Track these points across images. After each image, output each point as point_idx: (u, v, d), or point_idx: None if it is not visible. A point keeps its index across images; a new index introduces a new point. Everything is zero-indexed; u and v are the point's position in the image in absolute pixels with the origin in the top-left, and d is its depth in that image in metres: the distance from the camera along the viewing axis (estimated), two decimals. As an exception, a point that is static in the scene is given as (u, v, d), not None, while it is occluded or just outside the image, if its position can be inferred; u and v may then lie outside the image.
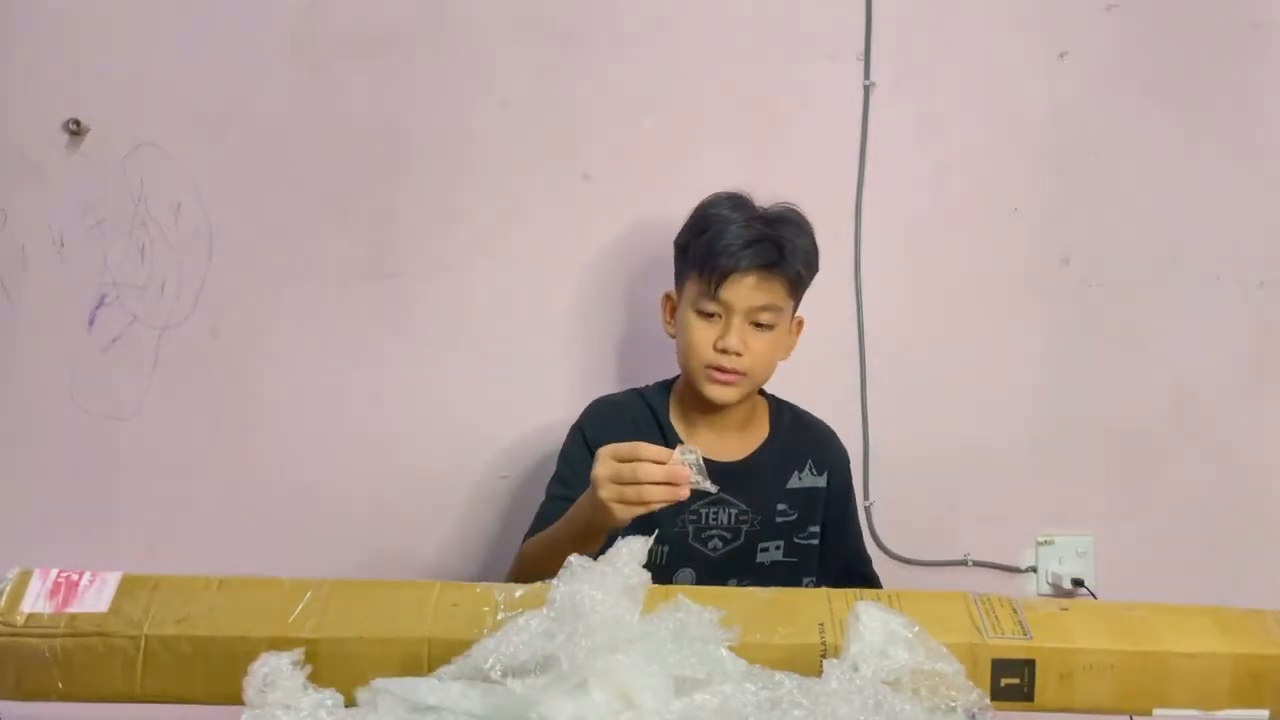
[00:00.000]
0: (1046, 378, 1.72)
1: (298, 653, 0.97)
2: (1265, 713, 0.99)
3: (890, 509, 1.72)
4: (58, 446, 1.71)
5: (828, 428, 1.50)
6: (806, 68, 1.71)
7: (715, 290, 1.31)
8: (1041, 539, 1.72)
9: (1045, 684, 1.00)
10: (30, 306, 1.71)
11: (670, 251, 1.44)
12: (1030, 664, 1.01)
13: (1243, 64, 1.71)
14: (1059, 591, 1.71)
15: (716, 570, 1.38)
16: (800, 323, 1.44)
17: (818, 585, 1.44)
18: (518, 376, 1.70)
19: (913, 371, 1.72)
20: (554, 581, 1.06)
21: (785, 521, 1.40)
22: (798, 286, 1.36)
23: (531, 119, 1.70)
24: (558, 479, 1.39)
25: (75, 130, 1.68)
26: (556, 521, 1.22)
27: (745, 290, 1.31)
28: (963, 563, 1.72)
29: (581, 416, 1.44)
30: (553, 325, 1.71)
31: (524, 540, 1.34)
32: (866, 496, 1.71)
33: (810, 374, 1.69)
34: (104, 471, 1.71)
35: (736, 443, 1.42)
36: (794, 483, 1.42)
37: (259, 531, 1.69)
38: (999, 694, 1.00)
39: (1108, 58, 1.71)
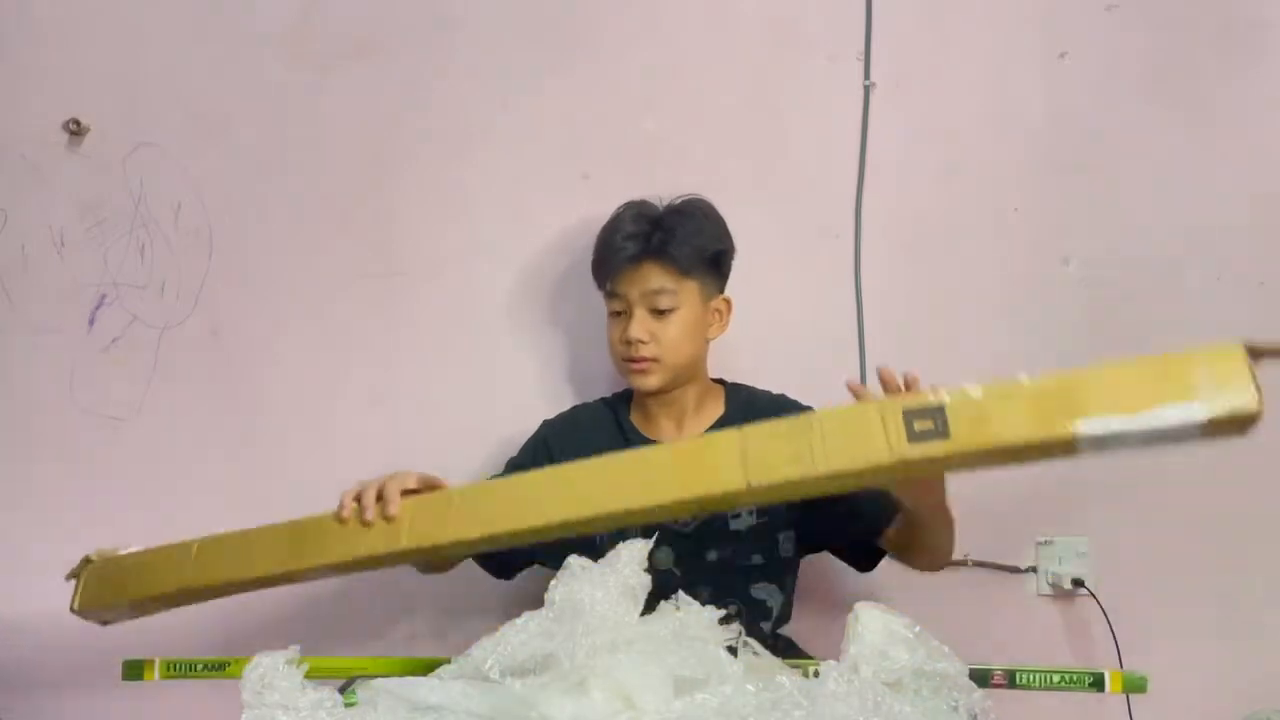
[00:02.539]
0: (1046, 378, 1.72)
1: (293, 650, 0.97)
2: (1200, 405, 0.88)
3: (890, 509, 1.72)
4: (58, 446, 1.71)
5: (786, 397, 1.51)
6: (806, 68, 1.71)
7: (610, 285, 1.41)
8: (1041, 539, 1.72)
9: (959, 422, 0.96)
10: (30, 306, 1.71)
11: None
12: (940, 409, 0.97)
13: (1243, 64, 1.71)
14: (1059, 592, 1.71)
15: (691, 543, 1.41)
16: (728, 303, 1.49)
17: (807, 538, 1.45)
18: (517, 376, 1.70)
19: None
20: (553, 582, 1.06)
21: None
22: (690, 267, 1.40)
23: (531, 119, 1.70)
24: (508, 464, 1.51)
25: (75, 130, 1.68)
26: None
27: (636, 278, 1.39)
28: (963, 563, 1.71)
29: (553, 418, 1.54)
30: (552, 325, 1.71)
31: None
32: (866, 496, 1.71)
33: (811, 373, 1.69)
34: (104, 472, 1.70)
35: (694, 426, 1.47)
36: None
37: (259, 531, 1.69)
38: (915, 438, 0.96)
39: (1108, 58, 1.70)
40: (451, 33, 1.70)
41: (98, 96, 1.69)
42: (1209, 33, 1.70)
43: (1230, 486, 1.72)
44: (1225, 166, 1.71)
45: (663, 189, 1.58)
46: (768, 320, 1.69)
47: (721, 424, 1.46)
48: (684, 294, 1.41)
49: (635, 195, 1.66)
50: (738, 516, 1.42)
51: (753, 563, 1.41)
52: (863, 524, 1.41)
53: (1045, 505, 1.72)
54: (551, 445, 1.48)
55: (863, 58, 1.69)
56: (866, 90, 1.69)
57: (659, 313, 1.40)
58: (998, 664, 1.16)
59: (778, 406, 1.48)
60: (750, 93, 1.70)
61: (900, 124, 1.70)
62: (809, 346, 1.70)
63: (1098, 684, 1.17)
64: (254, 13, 1.70)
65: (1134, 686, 1.18)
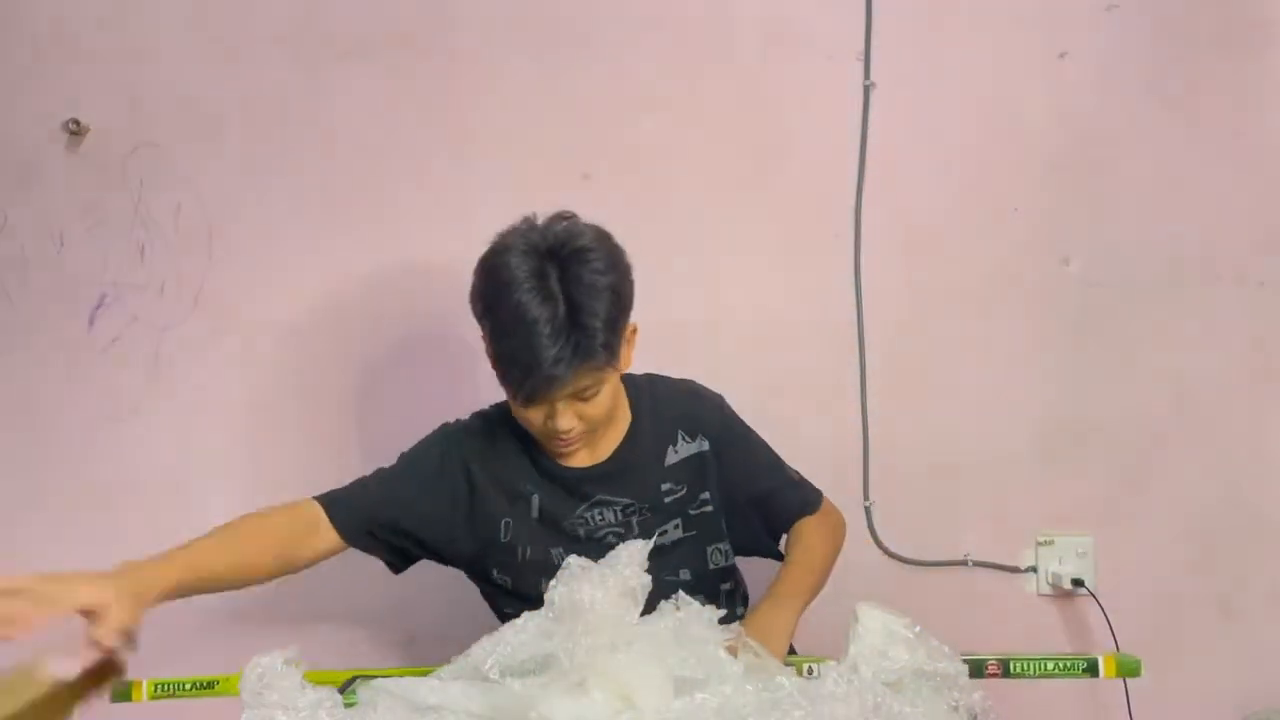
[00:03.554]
0: (1047, 378, 1.72)
1: (292, 650, 0.97)
2: None
3: (890, 509, 1.72)
4: (58, 446, 1.71)
5: (688, 387, 1.41)
6: (806, 68, 1.71)
7: (529, 404, 1.23)
8: (1041, 539, 1.72)
9: None
10: (30, 306, 1.71)
11: None
12: None
13: (1243, 63, 1.71)
14: (1059, 592, 1.71)
15: None
16: (634, 330, 1.30)
17: (736, 548, 1.41)
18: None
19: (913, 371, 1.72)
20: (553, 582, 1.06)
21: (675, 499, 1.35)
22: (612, 351, 1.23)
23: (531, 119, 1.70)
24: (404, 459, 1.39)
25: (75, 130, 1.69)
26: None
27: (561, 388, 1.21)
28: (963, 563, 1.72)
29: (464, 419, 1.41)
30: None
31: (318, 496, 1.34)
32: (866, 497, 1.71)
33: (811, 374, 1.69)
34: (104, 472, 1.71)
35: (606, 443, 1.35)
36: (671, 458, 1.36)
37: (259, 531, 1.69)
38: None
39: (1108, 58, 1.70)
40: (451, 33, 1.70)
41: (98, 96, 1.70)
42: (1209, 33, 1.70)
43: (1229, 487, 1.73)
44: (1225, 166, 1.71)
45: (663, 189, 1.58)
46: (768, 320, 1.69)
47: (630, 438, 1.35)
48: (608, 372, 1.25)
49: (635, 195, 1.65)
50: (664, 533, 1.34)
51: (680, 578, 1.35)
52: (771, 533, 1.42)
53: (1045, 505, 1.73)
54: (470, 463, 1.35)
55: (863, 58, 1.69)
56: (866, 90, 1.69)
57: (583, 400, 1.24)
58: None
59: (683, 408, 1.38)
60: (750, 93, 1.70)
61: (900, 124, 1.70)
62: (809, 346, 1.71)
63: (1091, 669, 1.17)
64: (254, 13, 1.70)
65: (1128, 670, 1.17)
